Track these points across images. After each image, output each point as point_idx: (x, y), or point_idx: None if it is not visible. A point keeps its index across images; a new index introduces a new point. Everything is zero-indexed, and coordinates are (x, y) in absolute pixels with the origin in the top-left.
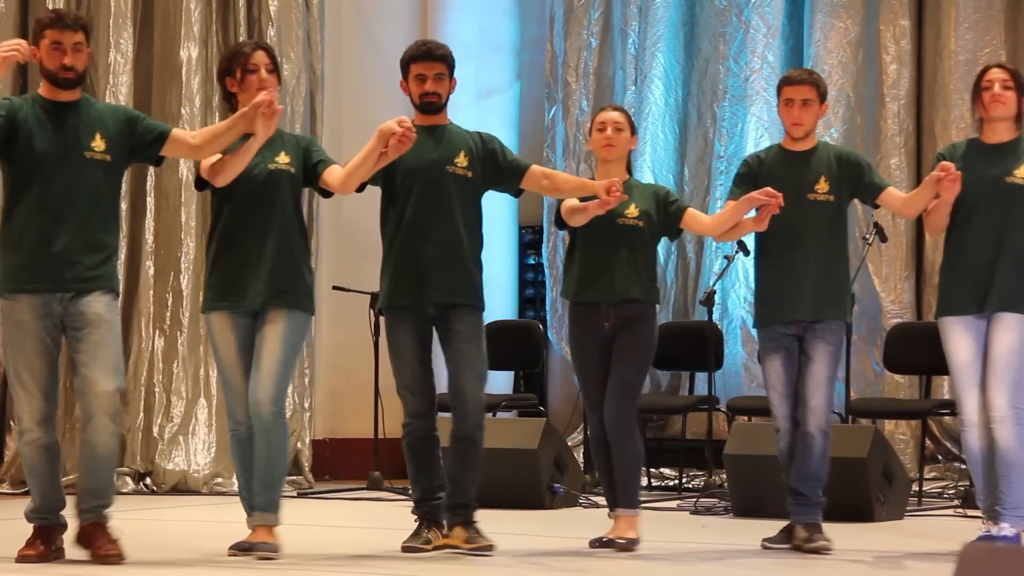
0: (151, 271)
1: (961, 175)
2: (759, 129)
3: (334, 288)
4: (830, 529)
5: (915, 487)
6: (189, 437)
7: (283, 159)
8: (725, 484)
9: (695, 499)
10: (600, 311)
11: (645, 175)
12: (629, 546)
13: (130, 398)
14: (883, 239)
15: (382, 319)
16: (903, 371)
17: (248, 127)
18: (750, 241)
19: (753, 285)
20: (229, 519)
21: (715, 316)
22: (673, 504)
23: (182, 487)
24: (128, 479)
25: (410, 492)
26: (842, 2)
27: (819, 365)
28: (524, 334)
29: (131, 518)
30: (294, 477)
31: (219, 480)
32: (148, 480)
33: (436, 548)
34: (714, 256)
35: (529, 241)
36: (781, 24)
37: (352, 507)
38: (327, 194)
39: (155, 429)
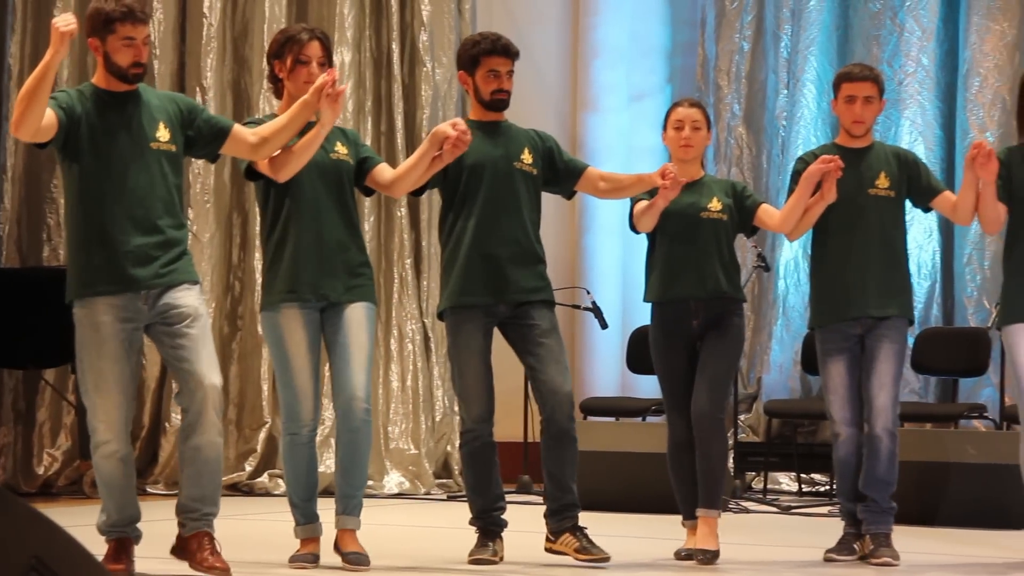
0: None
1: (993, 152)
2: (913, 132)
3: None
4: (992, 537)
5: None
6: None
7: (342, 149)
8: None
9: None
10: (689, 308)
11: None
12: (711, 559)
13: None
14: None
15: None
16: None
17: (309, 115)
18: (806, 239)
19: (812, 284)
20: (403, 523)
21: None
22: (824, 510)
23: (331, 489)
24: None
25: (471, 503)
26: (998, 4)
27: (884, 364)
28: None
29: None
30: (444, 480)
31: (370, 483)
32: None
33: (556, 552)
34: None
35: None
36: (936, 27)
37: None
38: (370, 192)
39: None
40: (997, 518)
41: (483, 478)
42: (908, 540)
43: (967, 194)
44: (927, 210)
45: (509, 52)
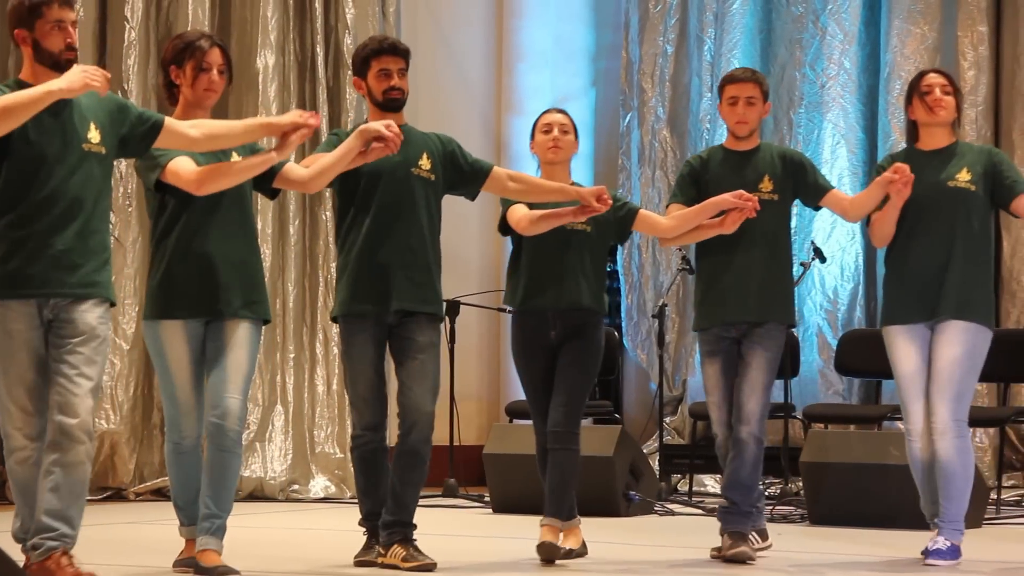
0: None
1: (913, 179)
2: (835, 135)
3: None
4: (915, 538)
5: (993, 495)
6: (266, 444)
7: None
8: (801, 492)
9: (771, 507)
10: (547, 318)
11: None
12: (575, 554)
13: None
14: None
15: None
16: (982, 379)
17: (260, 137)
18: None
19: (696, 286)
20: (312, 527)
21: None
22: None
23: (258, 494)
24: None
25: (360, 505)
26: (919, 8)
27: (756, 371)
28: None
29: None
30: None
31: (296, 487)
32: None
33: (385, 566)
34: None
35: None
36: (858, 30)
37: (427, 514)
38: (275, 194)
39: None
40: (922, 519)
41: (372, 482)
42: (830, 543)
43: (870, 200)
44: (816, 209)
45: (397, 50)
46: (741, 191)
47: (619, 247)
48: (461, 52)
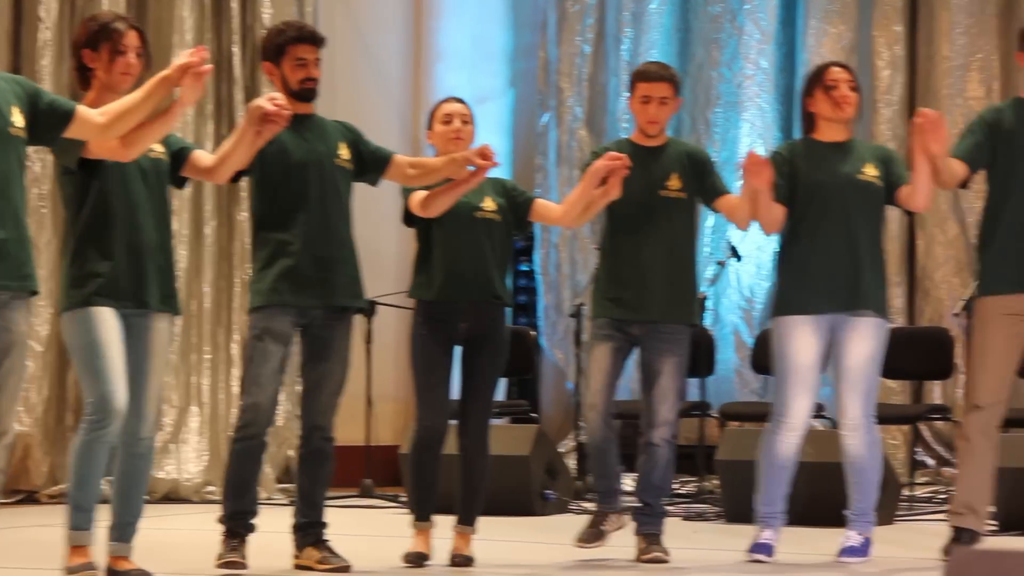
0: None
1: (766, 162)
2: (752, 134)
3: None
4: (826, 535)
5: (905, 492)
6: (180, 446)
7: (158, 147)
8: (717, 490)
9: (687, 505)
10: (459, 309)
11: None
12: (469, 563)
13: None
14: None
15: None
16: (895, 376)
17: (166, 93)
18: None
19: (597, 278)
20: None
21: (707, 322)
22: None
23: (173, 496)
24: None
25: (225, 501)
26: (836, 8)
27: (667, 377)
28: (517, 341)
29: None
30: (286, 485)
31: (211, 488)
32: None
33: (302, 567)
34: (706, 262)
35: (521, 248)
36: (775, 30)
37: (344, 515)
38: (183, 183)
39: None
40: (836, 517)
41: (248, 480)
42: (746, 540)
43: (743, 203)
44: (713, 210)
45: (316, 39)
46: (610, 152)
47: (534, 247)
48: (379, 52)
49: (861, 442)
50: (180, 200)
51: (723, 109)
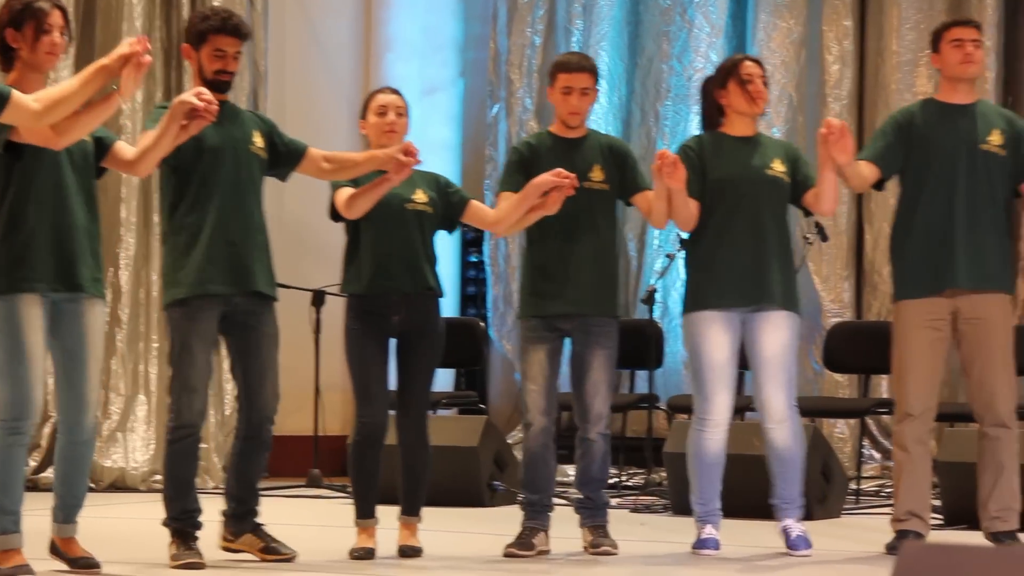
0: None
1: (679, 160)
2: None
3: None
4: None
5: (853, 486)
6: (128, 434)
7: None
8: (665, 482)
9: (635, 497)
10: (391, 301)
11: None
12: (418, 554)
13: None
14: (824, 238)
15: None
16: (843, 370)
17: (104, 82)
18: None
19: (523, 272)
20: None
21: (656, 314)
22: (613, 502)
23: (120, 484)
24: None
25: (169, 504)
26: (785, 2)
27: (598, 372)
28: (465, 332)
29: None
30: None
31: (158, 477)
32: None
33: (234, 551)
34: (655, 254)
35: (471, 239)
36: (725, 23)
37: (291, 505)
38: (102, 173)
39: None
40: (754, 508)
41: (188, 479)
42: (693, 533)
43: (659, 202)
44: (628, 204)
45: (239, 32)
46: (560, 169)
47: (483, 238)
48: (329, 42)
49: (789, 433)
50: (129, 188)
51: (673, 102)
